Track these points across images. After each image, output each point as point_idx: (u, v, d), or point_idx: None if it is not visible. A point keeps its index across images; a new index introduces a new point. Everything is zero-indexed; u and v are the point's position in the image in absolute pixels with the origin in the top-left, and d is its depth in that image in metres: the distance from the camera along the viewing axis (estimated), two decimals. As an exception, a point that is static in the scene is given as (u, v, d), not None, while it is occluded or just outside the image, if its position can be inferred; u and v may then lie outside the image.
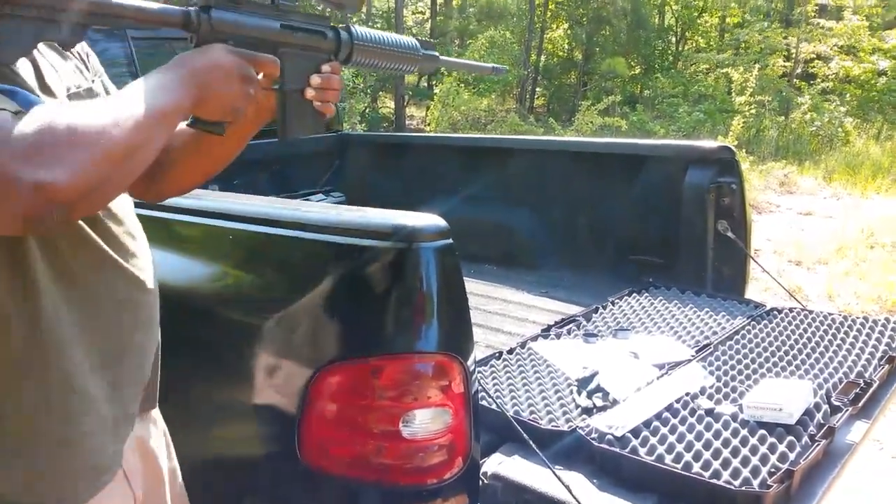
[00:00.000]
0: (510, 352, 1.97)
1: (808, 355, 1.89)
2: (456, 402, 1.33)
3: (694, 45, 17.23)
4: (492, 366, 1.89)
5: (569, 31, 16.34)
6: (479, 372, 1.70)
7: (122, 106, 0.72)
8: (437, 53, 1.24)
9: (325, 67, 1.01)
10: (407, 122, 13.16)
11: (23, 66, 0.80)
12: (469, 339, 1.39)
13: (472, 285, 2.82)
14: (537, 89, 15.80)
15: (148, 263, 0.99)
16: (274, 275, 1.51)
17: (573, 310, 2.42)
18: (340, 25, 1.07)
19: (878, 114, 12.13)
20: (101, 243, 0.88)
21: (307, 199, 3.48)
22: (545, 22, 15.50)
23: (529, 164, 3.07)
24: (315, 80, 1.00)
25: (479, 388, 1.61)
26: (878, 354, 1.88)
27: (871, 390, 1.70)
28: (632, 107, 12.16)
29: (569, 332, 2.12)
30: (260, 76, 0.92)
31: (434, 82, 12.56)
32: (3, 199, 0.63)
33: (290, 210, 1.55)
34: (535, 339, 2.06)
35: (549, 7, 15.58)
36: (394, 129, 12.10)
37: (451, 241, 1.35)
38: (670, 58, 16.96)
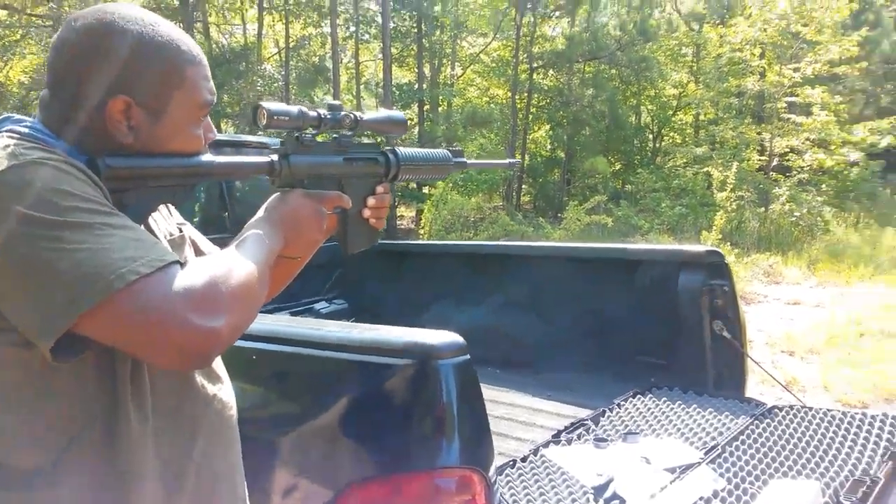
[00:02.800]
0: (524, 459, 2.01)
1: (813, 454, 1.94)
2: (479, 515, 1.37)
3: (671, 141, 17.98)
4: (507, 475, 1.92)
5: (550, 133, 17.03)
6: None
7: (247, 260, 0.88)
8: (465, 159, 1.39)
9: (379, 189, 1.18)
10: (398, 223, 13.45)
11: None
12: (490, 452, 1.44)
13: (477, 390, 2.87)
14: (523, 187, 16.29)
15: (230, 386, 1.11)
16: (294, 393, 1.57)
17: (579, 412, 2.46)
18: (387, 148, 1.22)
19: (854, 203, 12.56)
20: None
21: (311, 308, 3.57)
22: (528, 124, 16.17)
23: (528, 268, 3.19)
24: (371, 201, 1.17)
25: (500, 499, 1.65)
26: (881, 451, 1.93)
27: (877, 487, 1.75)
28: (616, 202, 12.53)
29: (579, 437, 2.16)
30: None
31: (424, 186, 12.95)
32: (180, 342, 0.77)
33: (310, 329, 1.64)
34: (546, 445, 2.10)
35: (531, 111, 16.30)
36: (385, 230, 12.36)
37: (468, 356, 1.43)
38: (649, 154, 17.63)
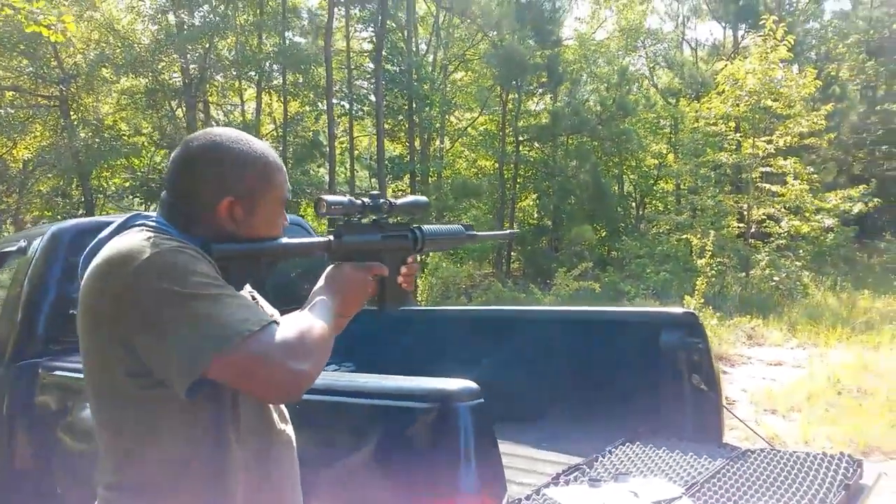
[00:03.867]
0: (528, 498, 2.26)
1: (779, 487, 2.22)
2: (494, 537, 1.63)
3: (653, 208, 18.59)
4: (513, 510, 2.17)
5: (537, 202, 17.60)
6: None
7: (320, 320, 1.17)
8: (474, 232, 1.68)
9: (410, 259, 1.46)
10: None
11: None
12: (501, 482, 1.72)
13: (480, 443, 3.10)
14: (512, 254, 16.71)
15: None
16: (336, 434, 1.85)
17: (574, 459, 2.72)
18: (415, 226, 1.50)
19: (831, 267, 13.04)
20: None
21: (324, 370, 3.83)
22: (515, 194, 16.75)
23: (524, 330, 3.48)
24: (403, 269, 1.45)
25: (510, 526, 1.90)
26: (836, 483, 2.22)
27: (833, 514, 2.03)
28: (603, 268, 12.94)
29: (575, 479, 2.42)
30: None
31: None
32: (279, 381, 1.07)
33: (348, 381, 1.94)
34: (546, 486, 2.36)
35: (518, 181, 16.90)
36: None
37: (482, 400, 1.73)
38: (633, 221, 18.20)
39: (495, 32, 16.64)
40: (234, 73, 14.03)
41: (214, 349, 1.03)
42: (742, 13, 20.38)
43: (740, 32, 21.19)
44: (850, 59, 22.84)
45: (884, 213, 17.80)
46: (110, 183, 15.11)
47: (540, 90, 17.06)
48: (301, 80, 14.40)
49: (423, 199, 1.56)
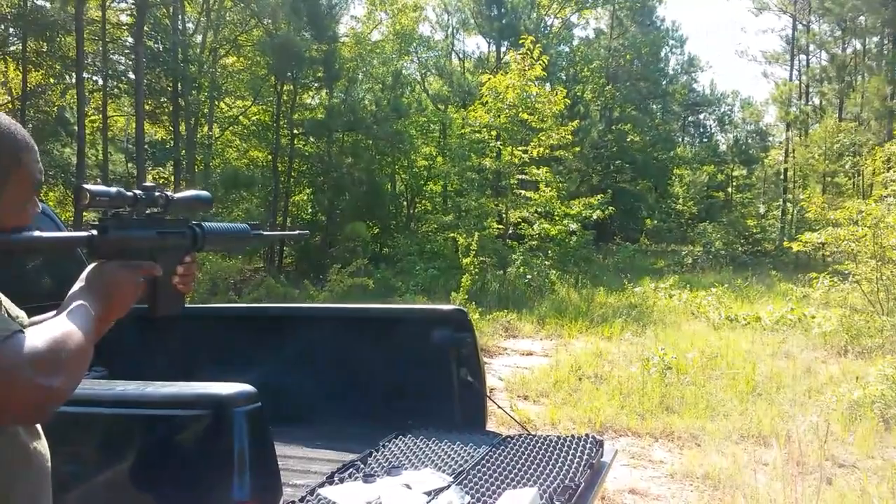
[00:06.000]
0: (301, 500, 2.24)
1: (535, 469, 2.45)
2: (267, 541, 1.61)
3: (423, 208, 19.38)
4: (288, 514, 2.14)
5: (312, 197, 17.42)
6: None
7: (77, 328, 1.03)
8: (262, 231, 1.59)
9: (187, 259, 1.35)
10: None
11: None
12: (277, 486, 1.70)
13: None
14: (285, 249, 16.36)
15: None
16: (97, 449, 1.69)
17: (349, 457, 2.75)
18: (195, 223, 1.40)
19: (574, 266, 14.61)
20: None
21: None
22: (289, 187, 16.41)
23: (299, 328, 3.44)
24: (179, 269, 1.34)
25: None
26: (583, 462, 2.50)
27: (580, 490, 2.29)
28: (376, 265, 13.20)
29: (350, 476, 2.45)
30: None
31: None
32: (27, 400, 0.92)
33: (106, 389, 1.77)
34: (321, 485, 2.36)
35: (292, 175, 16.58)
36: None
37: (259, 404, 1.68)
38: (404, 219, 18.80)
39: (270, 21, 16.14)
40: (-42, 32, 11.96)
41: None
42: (504, 31, 22.06)
43: (503, 49, 22.89)
44: (592, 83, 25.84)
45: (616, 220, 20.43)
46: None
47: (316, 84, 16.89)
48: (45, 49, 12.68)
49: (206, 193, 1.46)
